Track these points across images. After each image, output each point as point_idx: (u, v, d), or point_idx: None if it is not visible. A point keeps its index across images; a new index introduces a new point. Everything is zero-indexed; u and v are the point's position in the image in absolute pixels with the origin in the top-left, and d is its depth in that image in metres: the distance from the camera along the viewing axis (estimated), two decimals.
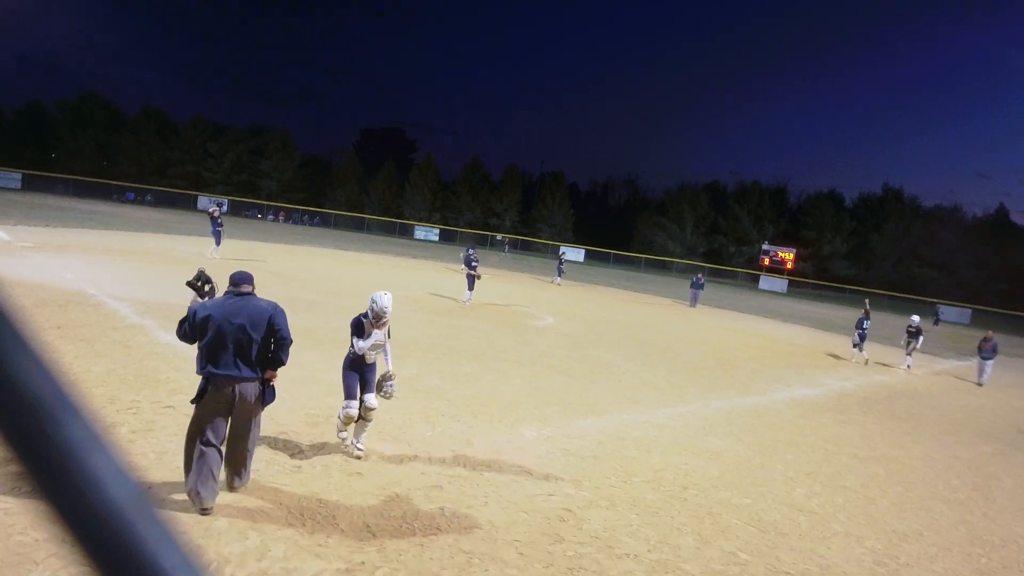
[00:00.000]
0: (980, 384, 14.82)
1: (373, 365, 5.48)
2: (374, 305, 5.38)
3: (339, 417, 5.35)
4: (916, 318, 15.98)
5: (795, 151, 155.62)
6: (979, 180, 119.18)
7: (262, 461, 4.98)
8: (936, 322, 32.01)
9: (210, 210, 19.41)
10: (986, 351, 15.01)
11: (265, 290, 5.38)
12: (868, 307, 16.59)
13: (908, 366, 15.56)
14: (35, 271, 12.21)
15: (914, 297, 45.57)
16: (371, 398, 5.38)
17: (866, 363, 15.37)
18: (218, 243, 18.87)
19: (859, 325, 15.67)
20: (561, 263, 28.06)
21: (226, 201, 55.92)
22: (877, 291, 43.54)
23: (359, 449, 5.34)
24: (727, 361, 13.01)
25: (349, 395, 5.30)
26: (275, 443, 5.40)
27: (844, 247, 58.22)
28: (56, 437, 0.31)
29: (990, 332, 15.76)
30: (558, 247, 56.84)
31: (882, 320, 31.38)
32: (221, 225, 18.94)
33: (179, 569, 0.32)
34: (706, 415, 8.37)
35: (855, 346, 15.78)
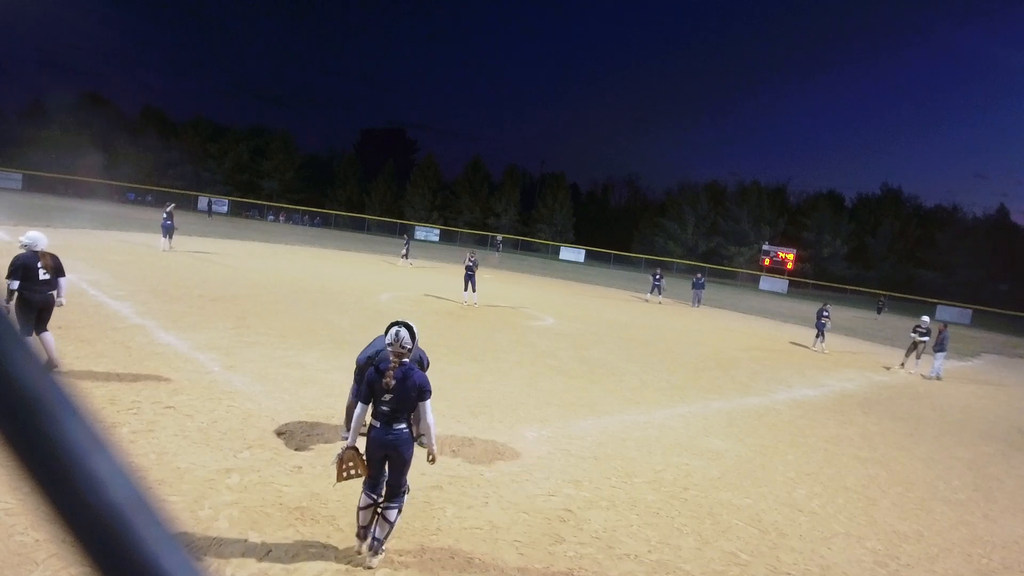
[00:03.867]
0: (936, 378, 14.55)
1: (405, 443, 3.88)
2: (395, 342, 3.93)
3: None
4: (926, 319, 15.84)
5: (795, 151, 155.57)
6: (977, 180, 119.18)
7: (262, 461, 4.98)
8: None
9: (168, 207, 20.20)
10: (937, 343, 14.73)
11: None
12: (824, 305, 17.55)
13: (910, 367, 15.50)
14: None
15: (914, 297, 45.59)
16: (392, 513, 3.88)
17: (824, 352, 16.50)
18: (169, 237, 19.66)
19: (820, 316, 17.00)
20: (657, 278, 25.58)
21: (227, 201, 56.01)
22: (877, 291, 43.54)
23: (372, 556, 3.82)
24: (728, 362, 13.01)
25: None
26: (275, 443, 5.39)
27: (844, 247, 58.24)
28: (56, 437, 0.31)
29: (943, 325, 15.63)
30: (558, 247, 57.21)
31: (883, 320, 31.39)
32: (171, 219, 19.79)
33: (179, 569, 0.32)
34: (707, 416, 8.37)
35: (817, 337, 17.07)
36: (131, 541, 0.31)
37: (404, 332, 3.92)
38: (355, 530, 3.90)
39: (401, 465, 3.84)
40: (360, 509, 3.84)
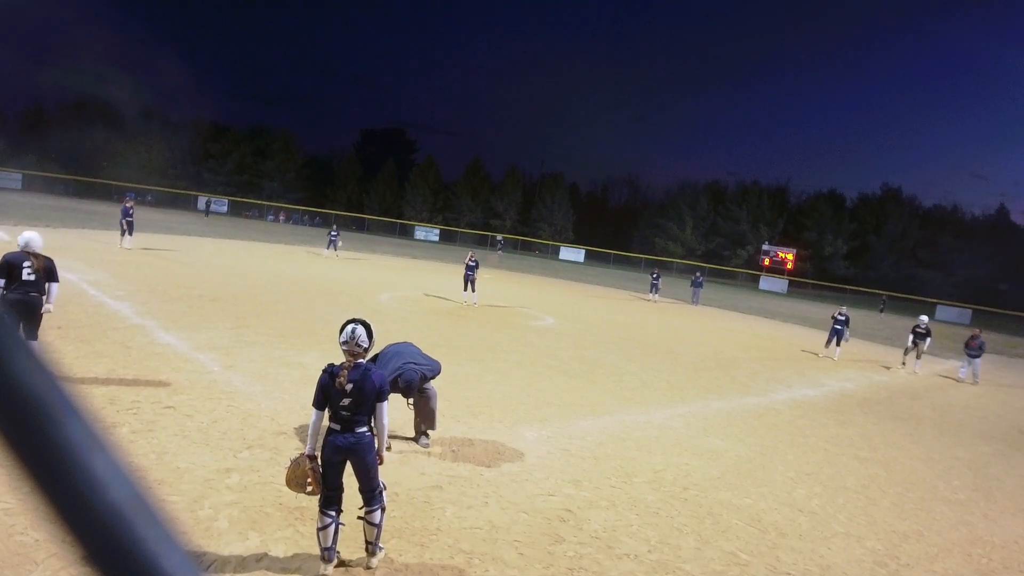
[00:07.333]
0: (975, 383, 14.75)
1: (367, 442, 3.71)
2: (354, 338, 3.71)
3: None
4: (924, 319, 15.89)
5: (795, 151, 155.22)
6: (977, 180, 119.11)
7: (262, 461, 4.98)
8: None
9: (127, 203, 18.95)
10: (972, 348, 14.85)
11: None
12: (842, 309, 16.77)
13: (910, 367, 15.53)
14: None
15: (914, 297, 45.58)
16: (375, 515, 3.74)
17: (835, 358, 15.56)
18: (130, 233, 18.53)
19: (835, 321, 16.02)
20: (655, 278, 25.20)
21: (227, 201, 56.03)
22: (877, 291, 43.57)
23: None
24: (728, 361, 13.01)
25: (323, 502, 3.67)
26: (275, 443, 5.39)
27: (844, 247, 58.24)
28: (56, 437, 0.31)
29: (977, 330, 15.67)
30: (558, 247, 57.20)
31: (882, 321, 31.40)
32: (131, 216, 18.63)
33: (179, 569, 0.32)
34: (706, 415, 8.37)
35: (835, 343, 16.05)
36: (131, 541, 0.31)
37: (361, 330, 3.66)
38: (326, 546, 3.61)
39: (366, 469, 3.64)
40: (319, 530, 3.59)
